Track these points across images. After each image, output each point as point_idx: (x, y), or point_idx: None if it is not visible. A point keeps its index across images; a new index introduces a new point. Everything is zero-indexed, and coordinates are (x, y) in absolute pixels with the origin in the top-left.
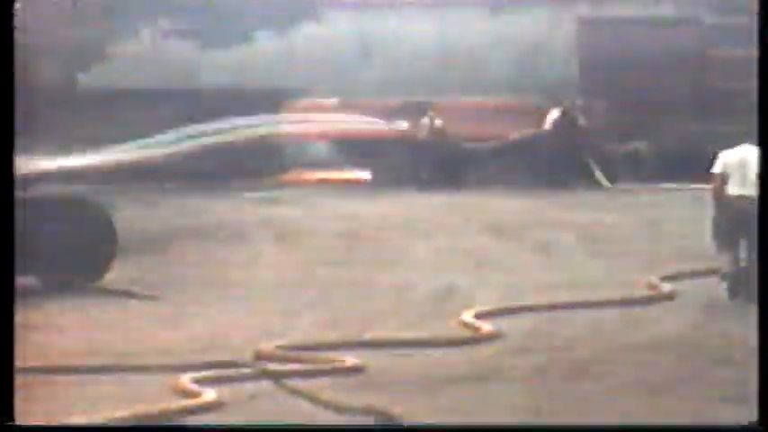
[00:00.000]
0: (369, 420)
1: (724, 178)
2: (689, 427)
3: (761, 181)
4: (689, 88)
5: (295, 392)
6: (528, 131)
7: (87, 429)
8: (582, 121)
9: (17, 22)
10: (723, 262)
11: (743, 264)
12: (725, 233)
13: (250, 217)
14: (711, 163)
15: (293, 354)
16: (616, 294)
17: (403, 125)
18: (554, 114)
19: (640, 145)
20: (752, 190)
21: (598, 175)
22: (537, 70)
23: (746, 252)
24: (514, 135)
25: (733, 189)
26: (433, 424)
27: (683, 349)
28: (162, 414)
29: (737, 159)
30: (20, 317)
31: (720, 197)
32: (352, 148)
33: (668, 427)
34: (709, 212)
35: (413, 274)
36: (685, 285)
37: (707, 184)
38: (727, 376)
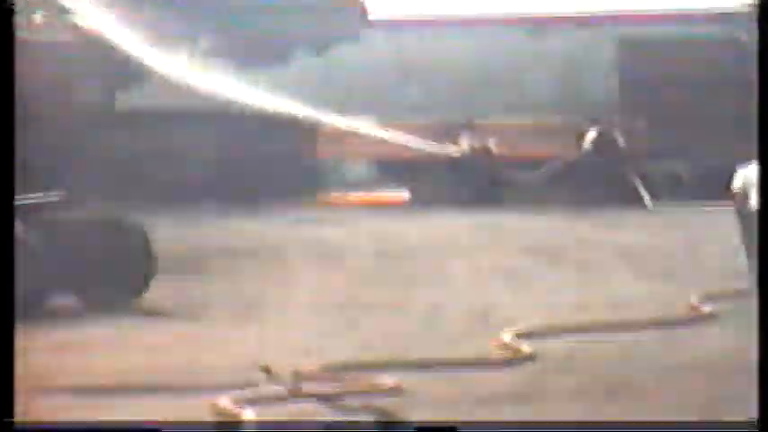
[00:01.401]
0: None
1: (744, 193)
2: (689, 426)
3: (761, 184)
4: (730, 108)
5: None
6: (567, 156)
7: (87, 429)
8: (621, 141)
9: (56, 44)
10: (754, 272)
11: None
12: (752, 246)
13: (289, 237)
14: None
15: (332, 374)
16: (656, 315)
17: (446, 146)
18: (592, 135)
19: (681, 164)
20: None
21: (643, 194)
22: (577, 90)
23: None
24: (555, 162)
25: (753, 203)
26: (433, 423)
27: (724, 371)
28: None
29: (756, 174)
30: (57, 337)
31: (742, 212)
32: (392, 169)
33: (668, 426)
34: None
35: (452, 293)
36: (727, 306)
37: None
38: None
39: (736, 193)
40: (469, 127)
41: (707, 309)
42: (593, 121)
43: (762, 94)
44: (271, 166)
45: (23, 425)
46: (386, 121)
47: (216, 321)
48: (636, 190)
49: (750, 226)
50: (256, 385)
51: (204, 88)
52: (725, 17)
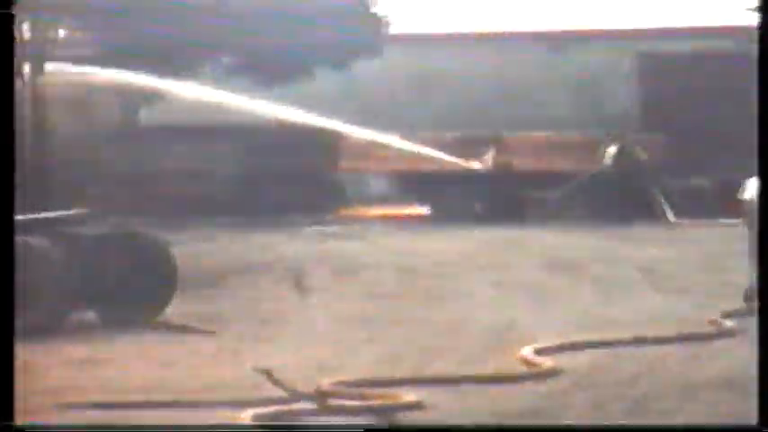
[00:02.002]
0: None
1: (752, 204)
2: (689, 427)
3: (761, 184)
4: (747, 122)
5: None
6: (588, 171)
7: (87, 429)
8: (642, 156)
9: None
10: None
11: None
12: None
13: (309, 251)
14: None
15: (352, 390)
16: (677, 330)
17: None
18: (612, 149)
19: (699, 179)
20: None
21: (665, 208)
22: (596, 105)
23: None
24: (577, 178)
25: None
26: (433, 424)
27: (745, 387)
28: None
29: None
30: (79, 352)
31: (750, 222)
32: (413, 183)
33: (669, 427)
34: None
35: (472, 309)
36: (747, 322)
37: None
38: None
39: (744, 203)
40: (495, 141)
41: (728, 324)
42: (614, 136)
43: (761, 101)
44: (292, 181)
45: (23, 427)
46: (407, 136)
47: (236, 337)
48: (658, 204)
49: (756, 235)
50: (278, 402)
51: (226, 104)
52: (743, 31)
